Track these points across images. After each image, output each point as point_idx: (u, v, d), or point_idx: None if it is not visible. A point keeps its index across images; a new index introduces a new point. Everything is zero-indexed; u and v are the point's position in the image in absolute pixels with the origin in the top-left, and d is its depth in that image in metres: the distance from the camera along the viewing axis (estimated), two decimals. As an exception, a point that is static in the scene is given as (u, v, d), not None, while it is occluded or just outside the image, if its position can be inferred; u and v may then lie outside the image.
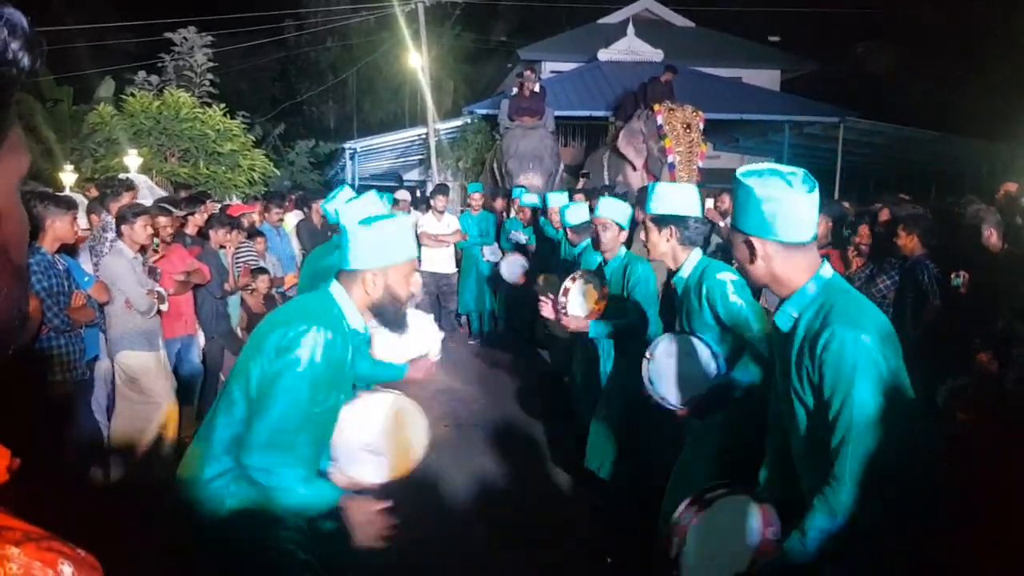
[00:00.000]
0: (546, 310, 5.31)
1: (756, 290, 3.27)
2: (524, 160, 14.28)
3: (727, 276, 3.79)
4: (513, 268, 9.63)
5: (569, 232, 6.77)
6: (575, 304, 5.33)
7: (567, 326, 5.21)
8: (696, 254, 4.04)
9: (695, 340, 3.85)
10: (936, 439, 2.70)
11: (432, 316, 4.99)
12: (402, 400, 3.45)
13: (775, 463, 2.84)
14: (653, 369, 3.90)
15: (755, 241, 2.48)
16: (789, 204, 2.41)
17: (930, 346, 5.84)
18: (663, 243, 4.07)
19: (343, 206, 4.68)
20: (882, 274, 6.42)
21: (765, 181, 2.44)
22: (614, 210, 5.36)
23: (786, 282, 2.51)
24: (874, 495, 2.30)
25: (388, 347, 4.26)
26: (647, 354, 3.93)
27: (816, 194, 2.44)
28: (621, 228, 5.32)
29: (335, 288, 2.88)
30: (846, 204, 8.70)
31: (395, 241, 2.87)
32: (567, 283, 5.32)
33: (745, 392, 3.67)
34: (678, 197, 4.06)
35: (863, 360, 2.30)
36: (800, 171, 2.47)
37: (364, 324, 2.93)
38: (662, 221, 4.06)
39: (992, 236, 5.98)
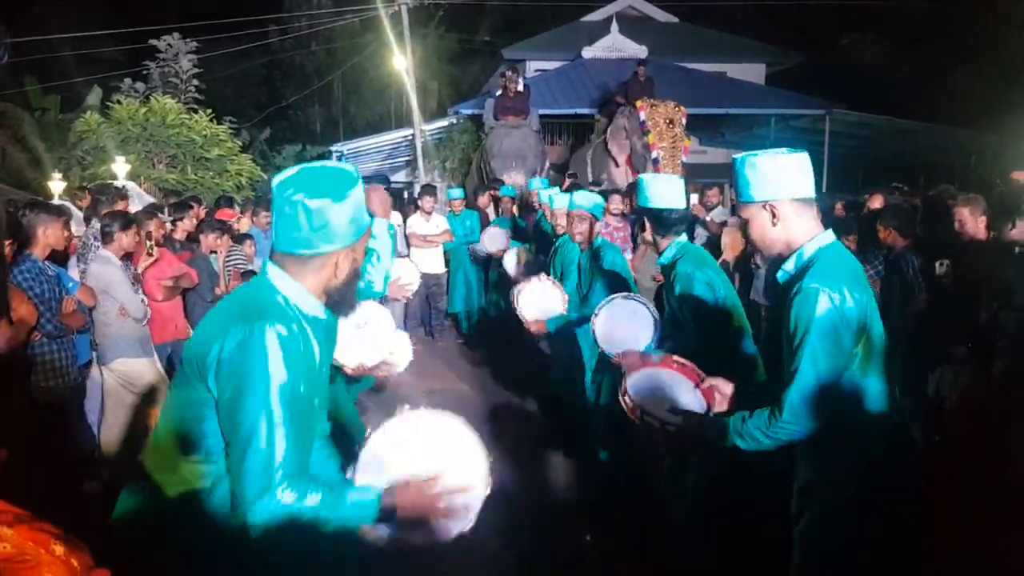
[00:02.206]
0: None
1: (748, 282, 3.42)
2: (507, 159, 14.33)
3: (697, 274, 4.00)
4: (495, 240, 9.75)
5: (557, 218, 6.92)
6: (528, 306, 5.78)
7: (529, 330, 5.75)
8: (678, 240, 4.20)
9: (640, 303, 4.45)
10: (916, 416, 2.86)
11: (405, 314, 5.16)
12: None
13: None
14: (598, 324, 4.52)
15: (776, 205, 2.76)
16: (790, 165, 2.76)
17: (918, 337, 5.88)
18: (647, 233, 4.32)
19: None
20: (865, 264, 6.45)
21: (765, 155, 2.79)
22: (589, 202, 5.70)
23: (792, 242, 2.78)
24: (806, 434, 2.63)
25: (351, 347, 4.13)
26: (595, 311, 4.56)
27: (806, 155, 2.79)
28: (596, 219, 5.67)
29: (276, 275, 2.40)
30: (839, 206, 8.72)
31: (362, 208, 2.44)
32: (518, 287, 5.61)
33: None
34: (658, 189, 4.23)
35: (822, 313, 2.55)
36: (782, 149, 2.82)
37: (323, 309, 2.46)
38: (640, 213, 4.37)
39: (980, 225, 6.02)
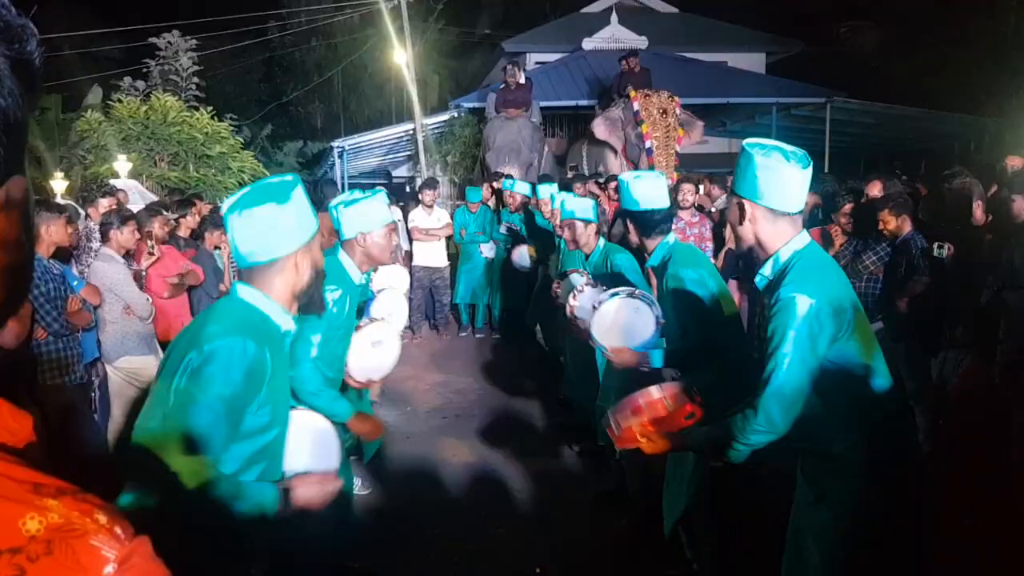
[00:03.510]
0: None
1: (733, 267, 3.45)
2: (500, 153, 14.32)
3: (687, 269, 3.95)
4: (523, 256, 9.70)
5: (557, 219, 6.82)
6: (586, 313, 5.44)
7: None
8: (666, 240, 4.16)
9: (646, 304, 4.21)
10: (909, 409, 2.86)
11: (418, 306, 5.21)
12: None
13: None
14: (596, 317, 4.26)
15: (746, 204, 2.77)
16: (782, 175, 2.70)
17: (918, 321, 5.89)
18: (632, 236, 4.27)
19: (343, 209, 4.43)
20: (868, 250, 6.45)
21: (767, 152, 2.71)
22: (576, 207, 5.46)
23: (766, 246, 2.79)
24: (778, 437, 2.64)
25: (365, 363, 4.31)
26: (594, 303, 4.32)
27: (809, 172, 2.73)
28: (588, 222, 5.39)
29: (246, 292, 2.50)
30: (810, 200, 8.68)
31: (309, 209, 2.55)
32: (571, 302, 5.30)
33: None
34: (641, 190, 4.18)
35: (796, 320, 2.56)
36: (801, 151, 2.74)
37: (293, 318, 2.57)
38: (622, 215, 4.36)
39: (978, 209, 6.02)
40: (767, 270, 2.79)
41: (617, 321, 4.23)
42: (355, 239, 3.89)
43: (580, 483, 5.78)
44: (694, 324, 3.91)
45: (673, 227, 6.44)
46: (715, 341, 3.84)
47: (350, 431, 4.14)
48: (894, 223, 6.11)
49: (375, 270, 4.67)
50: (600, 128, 14.01)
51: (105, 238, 5.97)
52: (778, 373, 2.58)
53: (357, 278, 3.94)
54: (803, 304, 2.56)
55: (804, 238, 2.78)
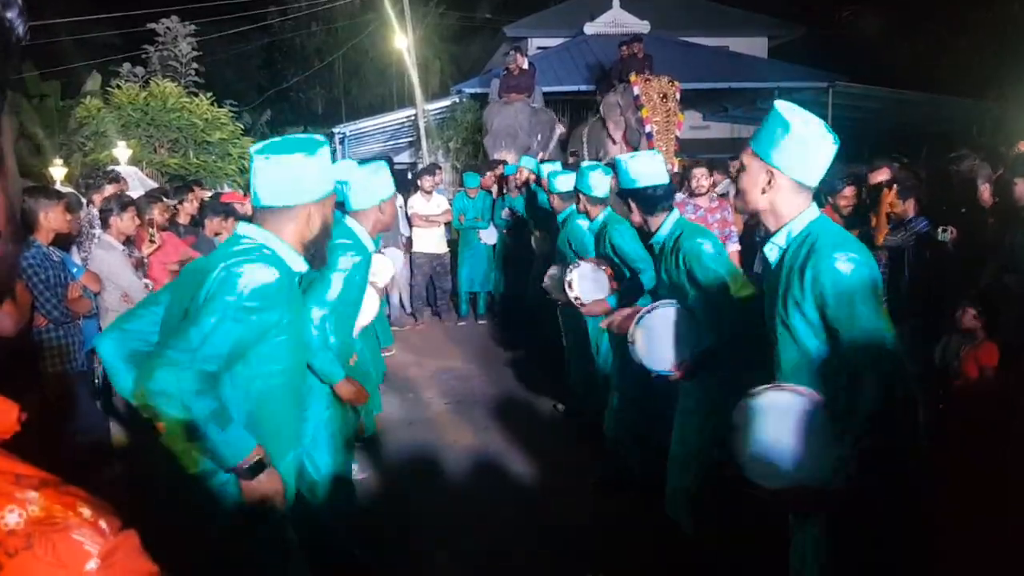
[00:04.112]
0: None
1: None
2: (497, 138, 14.33)
3: (704, 242, 3.87)
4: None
5: (555, 198, 6.82)
6: (584, 290, 5.38)
7: (592, 313, 5.32)
8: (672, 216, 4.10)
9: (679, 310, 3.95)
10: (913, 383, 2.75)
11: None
12: None
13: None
14: (639, 339, 3.99)
15: (776, 174, 2.67)
16: (820, 149, 2.64)
17: (921, 303, 5.88)
18: (635, 215, 4.20)
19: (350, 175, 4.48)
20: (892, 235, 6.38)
21: (807, 123, 2.64)
22: (563, 186, 6.17)
23: (779, 216, 2.72)
24: (885, 417, 2.42)
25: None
26: (631, 330, 4.02)
27: (836, 147, 2.66)
28: (582, 193, 5.51)
29: (255, 231, 2.64)
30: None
31: (329, 169, 2.75)
32: (568, 276, 5.35)
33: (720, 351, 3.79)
34: (638, 167, 4.14)
35: (859, 281, 2.47)
36: (825, 124, 2.66)
37: (303, 263, 2.71)
38: (623, 195, 4.22)
39: (985, 192, 6.00)
40: (780, 239, 2.72)
41: (664, 334, 3.98)
42: (375, 207, 3.99)
43: (582, 469, 5.77)
44: (714, 296, 3.80)
45: (693, 216, 6.40)
46: (735, 315, 3.74)
47: (350, 418, 4.16)
48: (900, 206, 6.10)
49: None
50: (599, 113, 13.99)
51: (105, 224, 5.95)
52: (870, 335, 2.46)
53: (371, 246, 4.03)
54: (856, 261, 2.49)
55: (815, 210, 2.73)
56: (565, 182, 6.65)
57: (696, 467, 4.04)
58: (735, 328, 3.72)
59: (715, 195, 8.10)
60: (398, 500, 5.41)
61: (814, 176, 2.68)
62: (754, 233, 7.95)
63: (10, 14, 0.75)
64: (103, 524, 0.71)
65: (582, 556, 4.62)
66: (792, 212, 2.70)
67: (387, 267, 5.80)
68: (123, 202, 6.03)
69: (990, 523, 4.08)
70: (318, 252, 2.77)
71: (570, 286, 5.28)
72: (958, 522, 3.85)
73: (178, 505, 2.67)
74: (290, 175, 2.59)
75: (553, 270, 6.03)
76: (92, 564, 0.69)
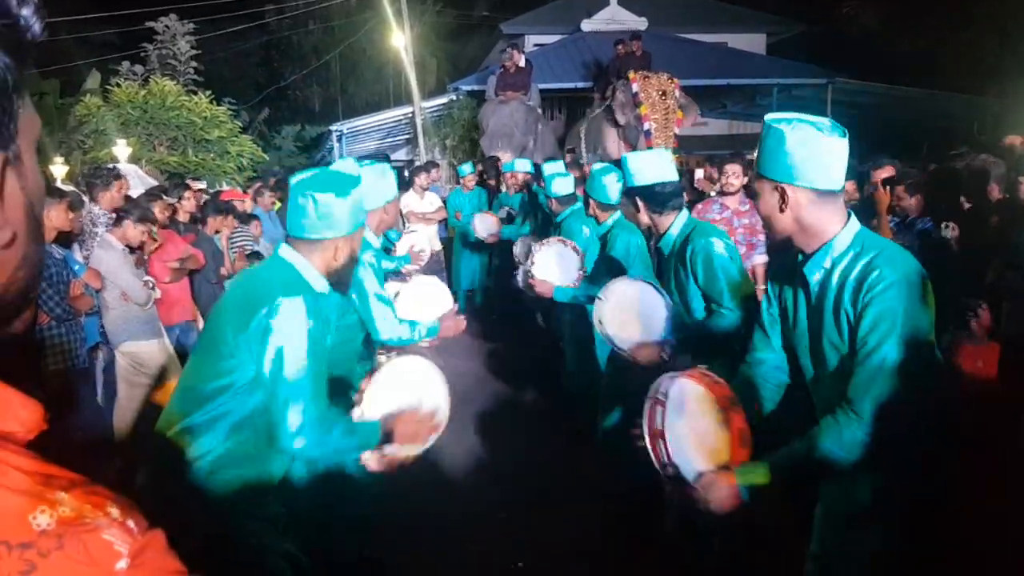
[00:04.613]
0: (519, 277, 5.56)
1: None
2: (493, 138, 14.34)
3: (716, 241, 3.80)
4: (487, 225, 9.67)
5: (553, 202, 6.81)
6: (542, 268, 5.48)
7: (533, 287, 5.36)
8: (682, 216, 4.01)
9: (650, 287, 3.96)
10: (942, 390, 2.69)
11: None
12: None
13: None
14: (605, 310, 4.02)
15: (787, 188, 2.42)
16: (822, 149, 2.37)
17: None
18: (643, 215, 4.07)
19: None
20: (897, 236, 6.36)
21: (795, 127, 2.38)
22: (562, 189, 6.40)
23: (816, 232, 2.46)
24: (885, 437, 2.31)
25: (408, 310, 4.65)
26: (599, 295, 4.07)
27: (846, 140, 2.40)
28: (592, 197, 5.36)
29: (290, 255, 2.85)
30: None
31: (361, 205, 2.94)
32: (535, 247, 5.40)
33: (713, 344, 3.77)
34: (645, 164, 4.04)
35: (907, 307, 2.28)
36: (827, 120, 2.43)
37: (328, 287, 2.91)
38: (630, 194, 4.11)
39: (994, 189, 6.01)
40: (825, 258, 2.46)
41: (631, 308, 3.96)
42: (380, 208, 4.16)
43: (579, 469, 5.77)
44: (729, 295, 3.72)
45: (718, 216, 6.31)
46: (746, 313, 3.65)
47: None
48: (907, 199, 6.09)
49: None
50: (597, 111, 13.98)
51: (116, 223, 5.99)
52: (889, 367, 2.29)
53: (376, 243, 4.24)
54: (913, 286, 2.30)
55: (856, 223, 2.47)
56: (563, 186, 6.66)
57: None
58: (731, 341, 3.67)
59: (745, 197, 6.93)
60: (394, 499, 5.38)
61: (830, 178, 2.40)
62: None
63: (25, 11, 0.75)
64: (131, 524, 0.71)
65: (581, 557, 4.63)
66: (827, 227, 2.44)
67: (422, 238, 6.07)
68: (143, 215, 6.08)
69: (993, 526, 4.08)
70: (343, 279, 2.97)
71: (532, 259, 5.34)
72: (963, 523, 3.85)
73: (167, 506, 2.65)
74: (320, 212, 2.77)
75: (527, 243, 6.05)
76: (122, 563, 0.69)
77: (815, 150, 2.36)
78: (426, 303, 4.89)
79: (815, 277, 2.49)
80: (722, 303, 3.74)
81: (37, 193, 0.81)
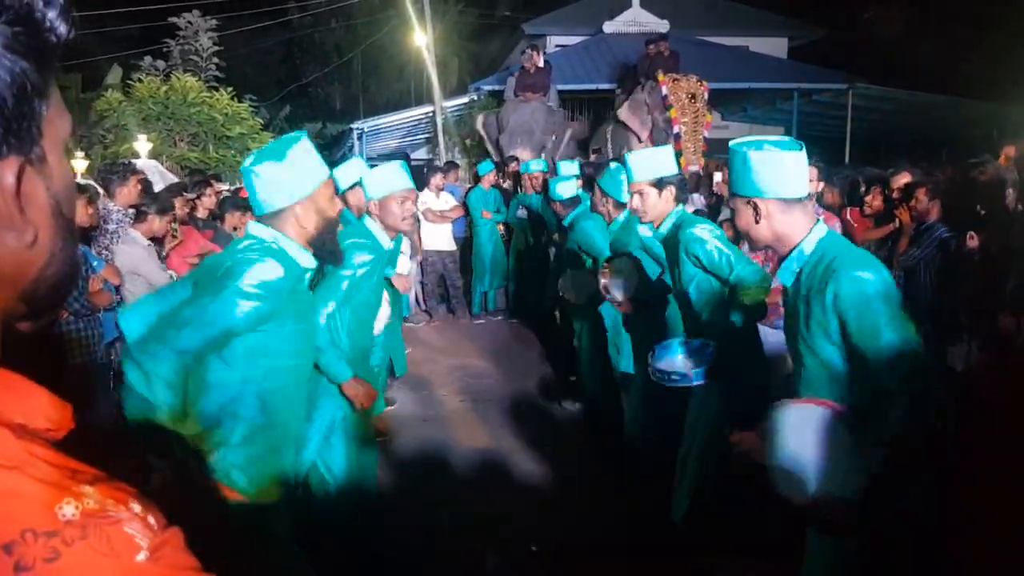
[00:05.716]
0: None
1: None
2: (514, 135, 14.33)
3: (702, 226, 3.95)
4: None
5: (557, 205, 6.85)
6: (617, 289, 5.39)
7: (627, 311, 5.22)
8: (675, 211, 4.14)
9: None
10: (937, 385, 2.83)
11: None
12: None
13: None
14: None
15: (759, 202, 2.74)
16: (784, 164, 2.71)
17: (935, 309, 5.86)
18: (663, 204, 4.15)
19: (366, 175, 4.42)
20: (912, 246, 6.31)
21: (757, 147, 2.75)
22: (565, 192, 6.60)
23: (786, 239, 2.76)
24: (917, 405, 2.49)
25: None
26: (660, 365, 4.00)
27: (803, 153, 2.74)
28: (608, 195, 5.52)
29: (260, 230, 2.80)
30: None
31: (311, 162, 2.83)
32: (601, 279, 5.28)
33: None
34: (647, 161, 4.16)
35: (880, 296, 2.51)
36: (786, 137, 2.82)
37: (312, 259, 2.86)
38: (661, 184, 4.14)
39: (1009, 197, 5.97)
40: (793, 264, 2.75)
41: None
42: (394, 196, 4.03)
43: (596, 470, 5.78)
44: (734, 259, 3.83)
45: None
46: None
47: (366, 418, 4.18)
48: (925, 204, 6.07)
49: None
50: (623, 112, 13.94)
51: (139, 218, 6.04)
52: (890, 341, 2.50)
53: (387, 243, 4.03)
54: (870, 277, 2.52)
55: (822, 228, 2.76)
56: (566, 189, 6.70)
57: (695, 466, 4.06)
58: (727, 325, 3.84)
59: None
60: (410, 497, 5.41)
61: (793, 187, 2.72)
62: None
63: (51, 13, 0.75)
64: (151, 520, 0.73)
65: (596, 557, 4.63)
66: (796, 232, 2.74)
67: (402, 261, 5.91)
68: (163, 207, 6.14)
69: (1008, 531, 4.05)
70: (328, 246, 2.89)
71: (606, 291, 5.18)
72: (976, 529, 3.82)
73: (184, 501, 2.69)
74: (267, 182, 2.75)
75: (575, 274, 6.04)
76: (142, 556, 0.71)
77: (777, 166, 2.71)
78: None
79: (789, 282, 2.80)
80: (733, 267, 3.83)
81: (65, 193, 0.82)
